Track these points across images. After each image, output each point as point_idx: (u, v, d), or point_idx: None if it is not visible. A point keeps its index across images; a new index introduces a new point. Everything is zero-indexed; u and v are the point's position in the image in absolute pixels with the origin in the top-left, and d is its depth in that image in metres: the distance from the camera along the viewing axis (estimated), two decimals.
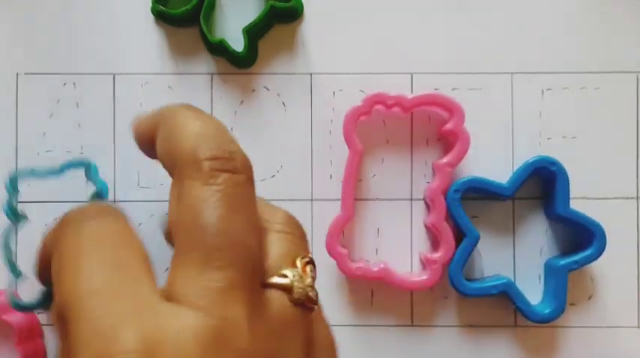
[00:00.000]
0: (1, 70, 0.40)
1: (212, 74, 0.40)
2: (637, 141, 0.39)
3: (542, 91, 0.39)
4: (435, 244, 0.39)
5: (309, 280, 0.19)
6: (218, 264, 0.16)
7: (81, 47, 0.40)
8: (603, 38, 0.39)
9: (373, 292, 0.39)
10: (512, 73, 0.39)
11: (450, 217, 0.37)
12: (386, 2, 0.40)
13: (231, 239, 0.17)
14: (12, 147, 0.40)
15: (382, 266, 0.37)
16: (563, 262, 0.37)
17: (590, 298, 0.39)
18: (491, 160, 0.39)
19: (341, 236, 0.37)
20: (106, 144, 0.40)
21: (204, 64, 0.40)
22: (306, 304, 0.18)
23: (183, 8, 0.38)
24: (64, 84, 0.40)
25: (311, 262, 0.19)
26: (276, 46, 0.40)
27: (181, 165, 0.18)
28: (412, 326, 0.39)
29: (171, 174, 0.19)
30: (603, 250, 0.36)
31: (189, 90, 0.40)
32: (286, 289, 0.18)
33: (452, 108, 0.37)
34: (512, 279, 0.38)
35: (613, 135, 0.39)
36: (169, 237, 0.18)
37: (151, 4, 0.39)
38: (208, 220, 0.17)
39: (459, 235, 0.37)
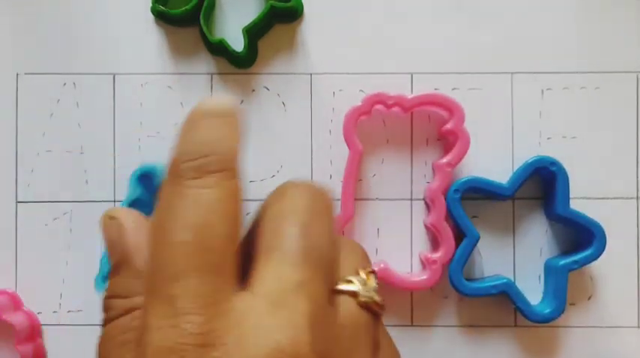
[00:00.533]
0: (1, 70, 0.40)
1: (212, 74, 0.40)
2: (637, 141, 0.39)
3: (542, 91, 0.39)
4: (434, 244, 0.39)
5: (373, 285, 0.20)
6: (294, 261, 0.17)
7: (81, 47, 0.40)
8: (603, 38, 0.39)
9: None
10: (512, 73, 0.39)
11: (450, 217, 0.37)
12: (386, 2, 0.40)
13: (316, 243, 0.18)
14: (12, 147, 0.40)
15: (382, 266, 0.37)
16: (563, 262, 0.37)
17: (590, 298, 0.39)
18: (491, 160, 0.39)
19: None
20: (106, 144, 0.40)
21: (204, 64, 0.40)
22: (373, 308, 0.19)
23: (183, 8, 0.38)
24: (64, 84, 0.40)
25: (373, 272, 0.21)
26: (276, 46, 0.40)
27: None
28: (412, 326, 0.39)
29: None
30: (603, 250, 0.36)
31: (189, 90, 0.40)
32: (353, 294, 0.19)
33: (452, 108, 0.37)
34: (512, 279, 0.38)
35: (613, 135, 0.39)
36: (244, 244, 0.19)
37: (150, 4, 0.39)
38: (296, 226, 0.18)
39: (459, 235, 0.37)
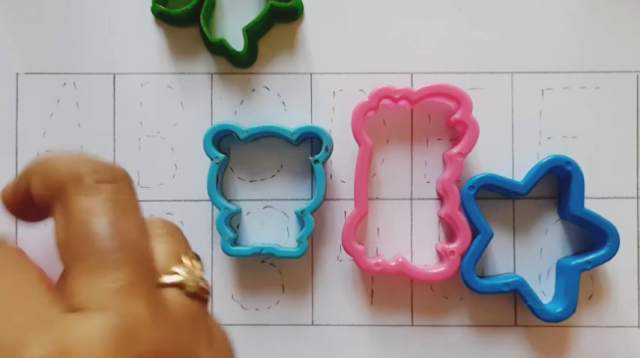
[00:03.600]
0: (1, 70, 0.40)
1: (212, 74, 0.40)
2: (637, 141, 0.39)
3: (543, 91, 0.39)
4: (449, 236, 0.39)
5: (198, 272, 0.19)
6: (114, 264, 0.17)
7: (81, 47, 0.40)
8: (603, 38, 0.39)
9: (373, 292, 0.39)
10: (512, 73, 0.39)
11: (464, 214, 0.37)
12: (386, 2, 0.40)
13: (124, 240, 0.17)
14: (12, 147, 0.40)
15: (400, 260, 0.37)
16: (575, 262, 0.37)
17: (590, 298, 0.39)
18: (492, 159, 0.39)
19: (355, 233, 0.37)
20: (106, 144, 0.40)
21: (204, 63, 0.40)
22: (201, 295, 0.19)
23: (183, 8, 0.38)
24: (64, 84, 0.40)
25: (196, 257, 0.20)
26: (276, 46, 0.40)
27: (64, 186, 0.18)
28: (412, 326, 0.39)
29: (53, 205, 0.19)
30: (617, 251, 0.36)
31: (189, 90, 0.40)
32: (179, 285, 0.18)
33: (459, 98, 0.37)
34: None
35: (613, 135, 0.39)
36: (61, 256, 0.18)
37: (151, 4, 0.39)
38: (100, 226, 0.17)
39: (472, 232, 0.37)
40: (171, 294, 0.18)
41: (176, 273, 0.18)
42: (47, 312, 0.16)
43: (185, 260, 0.19)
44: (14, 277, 0.17)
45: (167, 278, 0.18)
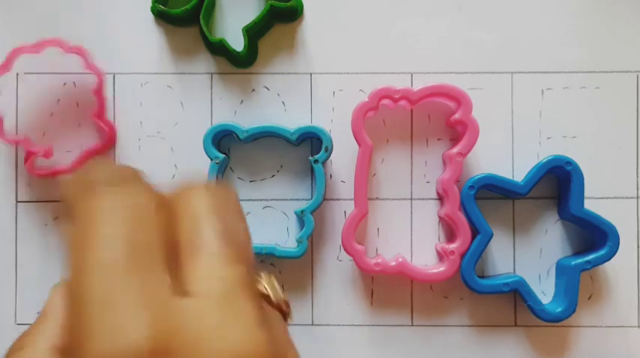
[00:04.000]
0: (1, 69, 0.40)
1: (212, 74, 0.40)
2: (637, 141, 0.39)
3: (542, 91, 0.39)
4: (448, 236, 0.39)
5: (277, 285, 0.20)
6: (228, 260, 0.16)
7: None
8: (603, 38, 0.39)
9: (373, 292, 0.39)
10: (512, 73, 0.39)
11: (464, 214, 0.37)
12: (386, 2, 0.40)
13: (235, 239, 0.17)
14: (12, 147, 0.40)
15: (400, 260, 0.37)
16: (575, 262, 0.37)
17: (590, 298, 0.39)
18: (491, 159, 0.39)
19: (355, 233, 0.37)
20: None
21: (204, 63, 0.40)
22: (283, 308, 0.19)
23: (183, 8, 0.38)
24: (64, 84, 0.40)
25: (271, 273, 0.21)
26: (276, 46, 0.40)
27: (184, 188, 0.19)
28: (412, 326, 0.39)
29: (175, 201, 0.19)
30: (616, 251, 0.36)
31: (189, 90, 0.40)
32: (265, 296, 0.19)
33: (459, 98, 0.37)
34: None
35: (613, 135, 0.39)
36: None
37: (150, 4, 0.39)
38: (215, 223, 0.17)
39: (472, 232, 0.37)
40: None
41: (262, 284, 0.19)
42: (159, 290, 0.16)
43: (263, 275, 0.20)
44: (139, 233, 0.17)
45: (259, 287, 0.19)
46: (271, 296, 0.19)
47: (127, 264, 0.16)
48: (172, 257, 0.17)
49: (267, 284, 0.19)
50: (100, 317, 0.15)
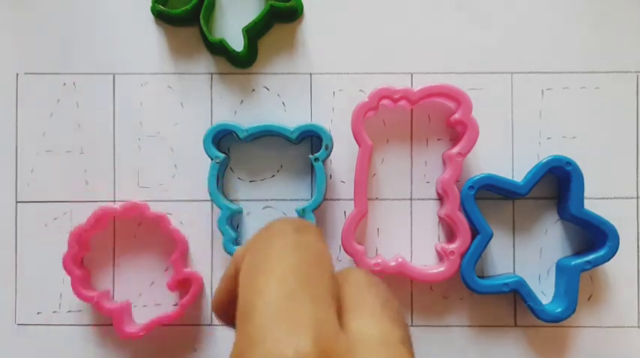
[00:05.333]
0: (1, 70, 0.40)
1: (212, 74, 0.40)
2: (637, 141, 0.39)
3: (542, 91, 0.39)
4: (449, 236, 0.39)
5: None
6: (391, 320, 0.18)
7: (81, 47, 0.40)
8: (603, 38, 0.39)
9: None
10: (512, 73, 0.39)
11: (464, 214, 0.37)
12: (386, 2, 0.40)
13: (396, 309, 0.19)
14: (12, 147, 0.40)
15: (400, 260, 0.37)
16: (575, 262, 0.37)
17: (589, 298, 0.39)
18: (491, 160, 0.39)
19: (354, 233, 0.37)
20: (106, 144, 0.40)
21: (204, 63, 0.40)
22: None
23: (183, 8, 0.38)
24: (64, 84, 0.40)
25: None
26: (276, 46, 0.40)
27: None
28: (412, 326, 0.39)
29: None
30: (616, 251, 0.36)
31: (189, 90, 0.40)
32: None
33: (459, 98, 0.37)
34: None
35: (613, 135, 0.39)
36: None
37: (150, 4, 0.39)
38: (378, 292, 0.20)
39: (472, 233, 0.37)
40: None
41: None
42: (325, 320, 0.17)
43: None
44: (312, 271, 0.18)
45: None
46: None
47: (301, 287, 0.17)
48: (337, 307, 0.18)
49: None
50: (272, 327, 0.16)
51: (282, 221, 0.21)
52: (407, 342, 0.18)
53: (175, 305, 0.39)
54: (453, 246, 0.37)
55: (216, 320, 0.39)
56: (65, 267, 0.37)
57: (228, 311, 0.21)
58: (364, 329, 0.18)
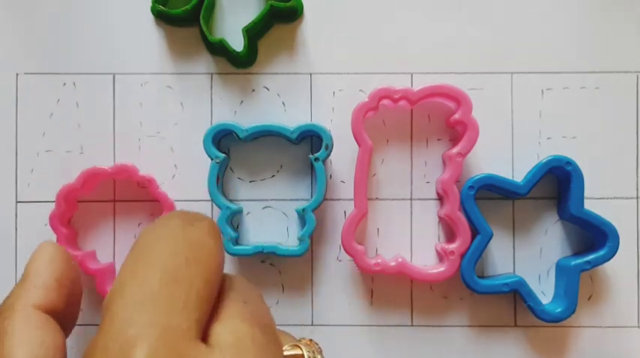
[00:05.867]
0: (1, 70, 0.40)
1: (212, 74, 0.40)
2: (637, 141, 0.39)
3: (542, 91, 0.39)
4: (449, 236, 0.39)
5: (316, 348, 0.21)
6: (245, 320, 0.18)
7: (81, 47, 0.40)
8: (603, 38, 0.39)
9: (373, 292, 0.39)
10: (512, 73, 0.39)
11: (464, 214, 0.37)
12: (386, 2, 0.40)
13: (257, 310, 0.19)
14: (12, 147, 0.40)
15: (400, 260, 0.37)
16: (575, 262, 0.37)
17: (589, 298, 0.39)
18: (491, 160, 0.39)
19: (354, 233, 0.37)
20: (106, 144, 0.40)
21: (204, 63, 0.40)
22: None
23: (183, 8, 0.38)
24: (64, 84, 0.40)
25: (312, 340, 0.22)
26: (276, 46, 0.40)
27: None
28: (412, 326, 0.39)
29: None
30: (616, 251, 0.36)
31: (189, 90, 0.40)
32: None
33: (459, 98, 0.37)
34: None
35: (613, 135, 0.39)
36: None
37: (150, 4, 0.39)
38: (240, 296, 0.20)
39: (472, 233, 0.37)
40: None
41: (297, 347, 0.20)
42: (181, 331, 0.17)
43: (303, 340, 0.22)
44: (183, 271, 0.18)
45: (289, 351, 0.20)
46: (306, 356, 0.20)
47: (162, 289, 0.17)
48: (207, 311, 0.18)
49: (305, 348, 0.20)
50: (115, 340, 0.16)
51: (178, 213, 0.21)
52: (257, 339, 0.18)
53: None
54: (453, 246, 0.37)
55: None
56: (51, 225, 0.38)
57: None
58: (216, 338, 0.18)
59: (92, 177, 0.38)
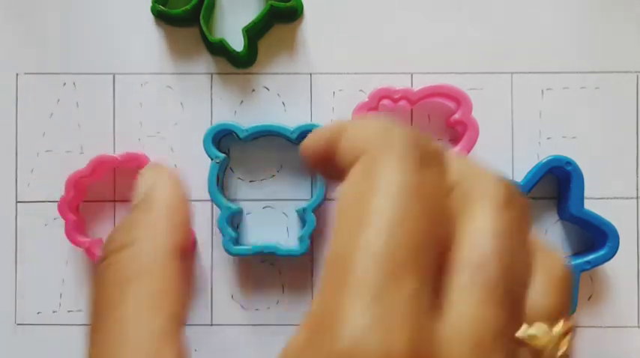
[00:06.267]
0: (1, 70, 0.40)
1: (212, 74, 0.40)
2: (637, 141, 0.39)
3: (542, 91, 0.39)
4: None
5: (565, 346, 0.16)
6: (492, 303, 0.14)
7: (81, 47, 0.40)
8: (603, 38, 0.39)
9: None
10: (512, 73, 0.39)
11: None
12: (386, 2, 0.40)
13: (514, 285, 0.15)
14: (12, 147, 0.40)
15: None
16: (575, 262, 0.37)
17: (590, 298, 0.39)
18: (491, 160, 0.39)
19: None
20: (106, 144, 0.40)
21: (204, 63, 0.40)
22: None
23: (183, 8, 0.38)
24: (64, 84, 0.40)
25: (570, 328, 0.16)
26: (276, 46, 0.40)
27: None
28: None
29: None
30: (616, 251, 0.36)
31: (189, 90, 0.40)
32: (535, 353, 0.15)
33: (459, 98, 0.37)
34: None
35: (613, 135, 0.39)
36: None
37: (150, 4, 0.39)
38: (500, 262, 0.15)
39: None
40: (522, 354, 0.15)
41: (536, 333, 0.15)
42: (427, 313, 0.14)
43: (556, 326, 0.16)
44: (418, 221, 0.14)
45: (524, 334, 0.15)
46: (543, 355, 0.15)
47: (403, 261, 0.14)
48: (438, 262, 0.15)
49: (546, 339, 0.15)
50: (364, 312, 0.13)
51: (404, 136, 0.15)
52: (501, 330, 0.14)
53: None
54: None
55: (216, 320, 0.39)
56: (60, 211, 0.38)
57: (321, 162, 0.18)
58: (455, 323, 0.14)
59: (101, 165, 0.38)
